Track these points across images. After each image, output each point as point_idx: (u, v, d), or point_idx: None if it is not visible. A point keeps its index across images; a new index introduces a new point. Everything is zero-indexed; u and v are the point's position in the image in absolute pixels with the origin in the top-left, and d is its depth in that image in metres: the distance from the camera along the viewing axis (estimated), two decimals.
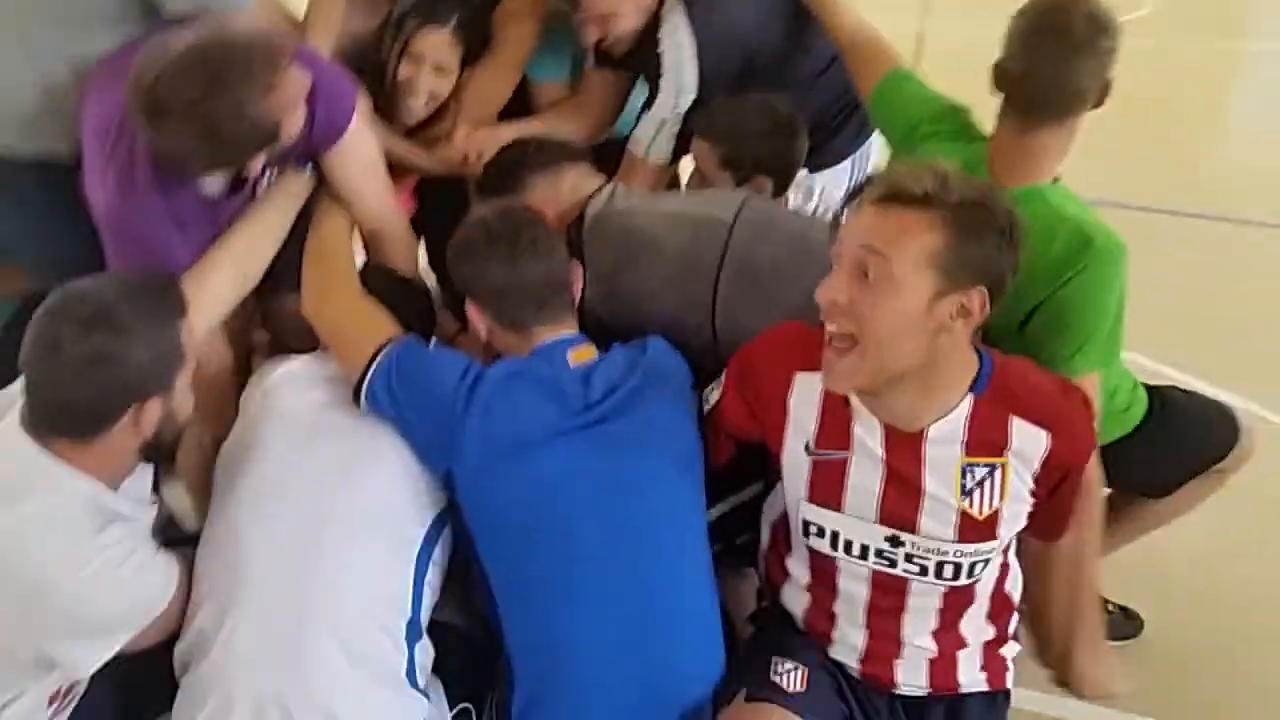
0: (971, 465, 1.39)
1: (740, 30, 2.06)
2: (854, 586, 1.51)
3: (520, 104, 2.22)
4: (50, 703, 1.36)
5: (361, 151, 1.77)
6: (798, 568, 1.57)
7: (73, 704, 1.41)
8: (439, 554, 1.52)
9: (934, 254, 1.26)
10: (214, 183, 1.60)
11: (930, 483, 1.40)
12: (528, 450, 1.46)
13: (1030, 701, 1.78)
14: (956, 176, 1.29)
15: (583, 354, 1.56)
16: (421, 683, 1.45)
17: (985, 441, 1.38)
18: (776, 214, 1.88)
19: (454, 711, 1.53)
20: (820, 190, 2.06)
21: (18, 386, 1.35)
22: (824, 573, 1.53)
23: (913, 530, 1.43)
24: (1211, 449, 1.91)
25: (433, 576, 1.50)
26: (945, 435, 1.38)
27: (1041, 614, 1.61)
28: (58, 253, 1.73)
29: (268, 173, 1.70)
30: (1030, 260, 1.55)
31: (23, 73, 1.69)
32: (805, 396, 1.45)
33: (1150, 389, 1.91)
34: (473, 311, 1.59)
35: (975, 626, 1.52)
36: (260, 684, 1.34)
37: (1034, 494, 1.41)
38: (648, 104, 2.10)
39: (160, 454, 1.47)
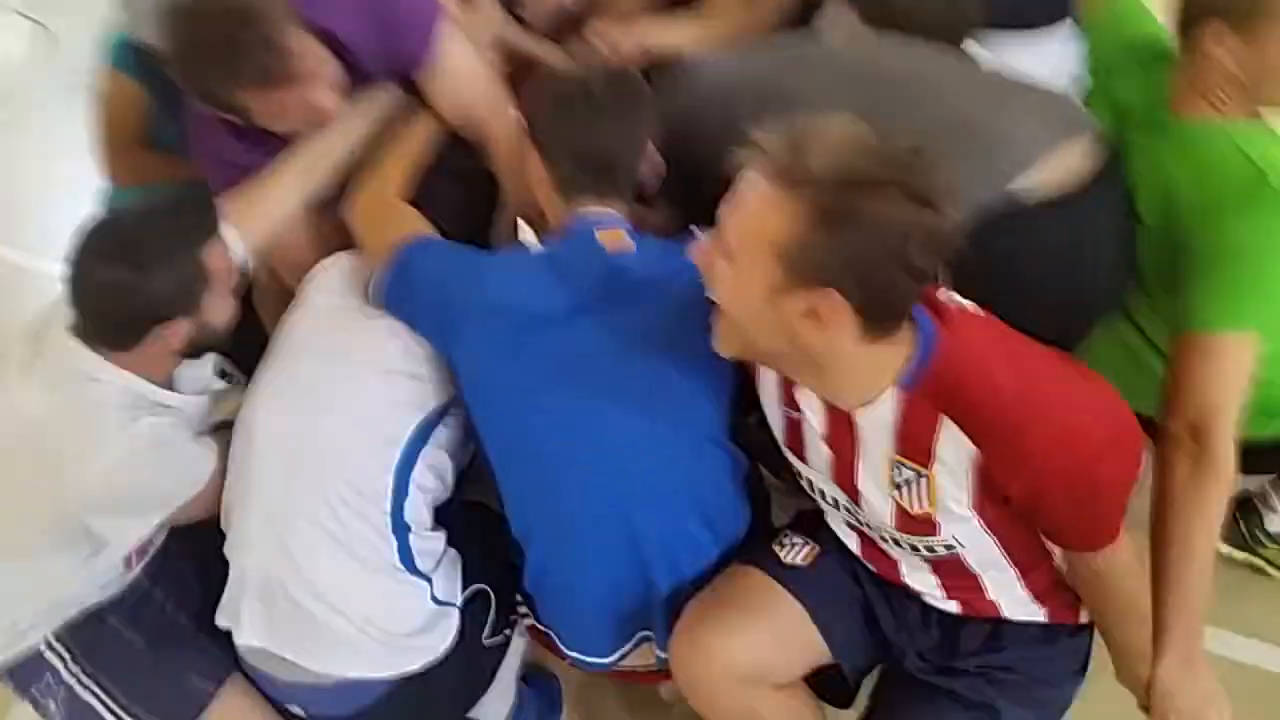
0: (900, 464, 1.20)
1: None
2: (841, 529, 1.41)
3: None
4: (125, 563, 1.56)
5: (453, 71, 1.70)
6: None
7: (148, 557, 1.60)
8: (446, 440, 1.55)
9: (775, 242, 1.05)
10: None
11: (862, 468, 1.25)
12: (526, 329, 1.44)
13: None
14: (837, 151, 1.03)
15: (615, 235, 1.48)
16: (425, 566, 1.51)
17: (914, 443, 1.18)
18: (858, 54, 1.60)
19: (468, 592, 1.57)
20: None
21: None
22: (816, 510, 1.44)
23: (855, 503, 1.29)
24: None
25: (431, 465, 1.52)
26: (874, 422, 1.19)
27: (1100, 627, 1.36)
28: None
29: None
30: (1192, 200, 1.42)
31: None
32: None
33: None
34: (533, 159, 1.53)
35: (997, 579, 1.33)
36: (262, 566, 1.47)
37: (979, 508, 1.20)
38: None
39: (209, 350, 1.57)
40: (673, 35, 1.89)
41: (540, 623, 1.61)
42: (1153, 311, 1.55)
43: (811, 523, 1.48)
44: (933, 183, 1.03)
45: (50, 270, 2.86)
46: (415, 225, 1.59)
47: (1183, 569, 1.28)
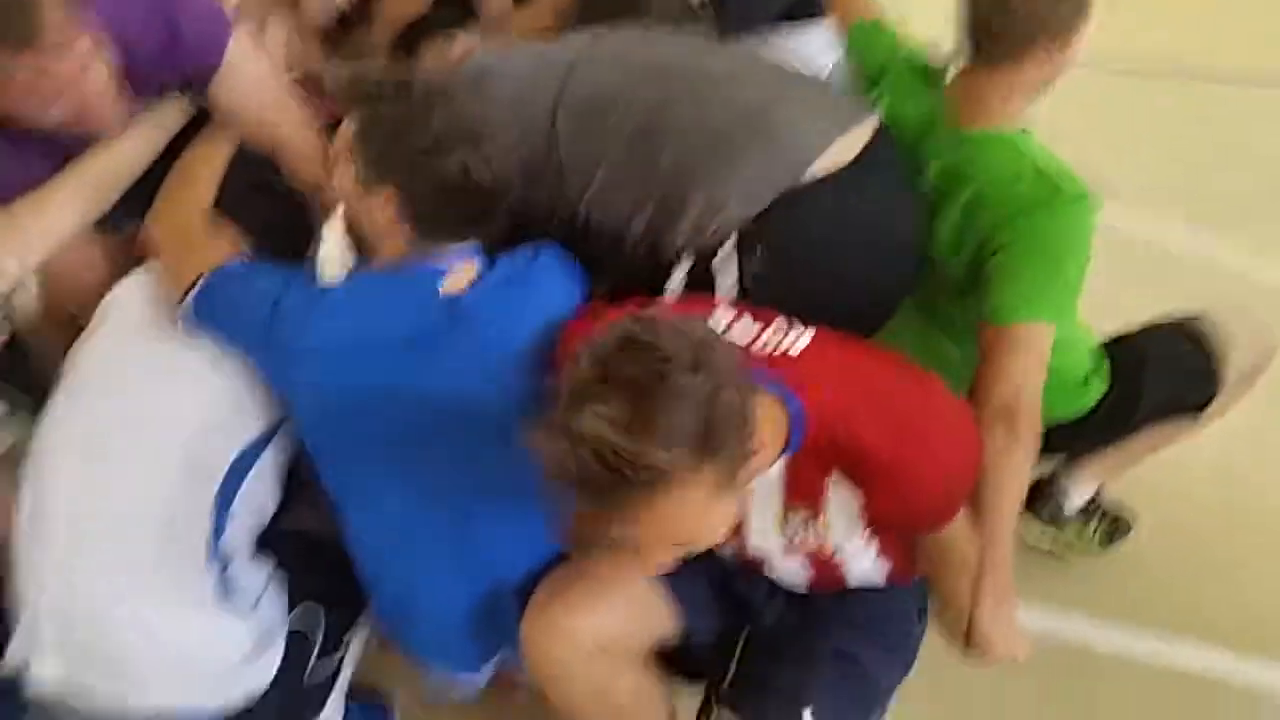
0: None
1: None
2: None
3: None
4: None
5: (244, 77, 1.62)
6: None
7: None
8: (268, 467, 1.46)
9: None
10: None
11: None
12: (356, 360, 1.36)
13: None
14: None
15: (459, 279, 1.40)
16: (246, 597, 1.41)
17: (802, 490, 1.24)
18: (625, 46, 1.64)
19: (295, 613, 1.48)
20: None
21: None
22: None
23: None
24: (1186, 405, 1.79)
25: (252, 495, 1.43)
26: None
27: (930, 580, 1.45)
28: None
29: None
30: (990, 206, 1.51)
31: None
32: None
33: (1113, 352, 1.75)
34: (381, 203, 1.39)
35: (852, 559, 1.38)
36: (59, 604, 1.31)
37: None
38: None
39: None
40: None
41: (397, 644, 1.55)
42: (948, 304, 1.65)
43: None
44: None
45: None
46: (226, 246, 1.48)
47: (996, 525, 1.37)
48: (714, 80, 1.52)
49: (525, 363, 1.39)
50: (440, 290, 1.38)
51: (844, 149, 1.48)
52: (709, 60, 1.59)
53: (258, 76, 1.65)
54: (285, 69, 1.80)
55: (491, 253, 1.45)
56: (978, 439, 1.30)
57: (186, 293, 1.42)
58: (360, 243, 1.58)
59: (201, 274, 1.42)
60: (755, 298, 1.42)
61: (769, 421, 1.14)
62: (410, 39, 1.91)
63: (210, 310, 1.41)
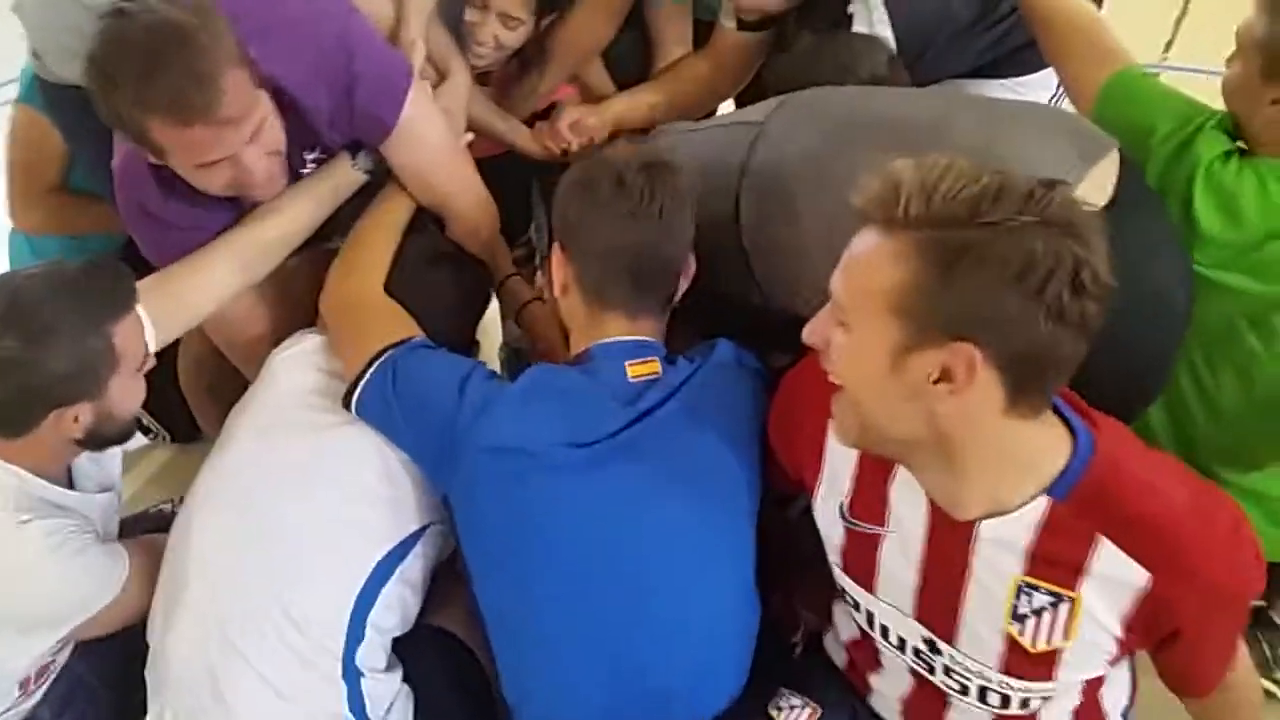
0: (1031, 587, 1.00)
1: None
2: (895, 671, 1.19)
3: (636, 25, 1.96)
4: (20, 688, 1.32)
5: (420, 139, 1.55)
6: (841, 619, 1.27)
7: (45, 686, 1.37)
8: (414, 571, 1.35)
9: (892, 294, 0.90)
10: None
11: (974, 592, 1.03)
12: (536, 475, 1.23)
13: None
14: (950, 185, 0.88)
15: (645, 367, 1.29)
16: (376, 713, 1.29)
17: (1055, 561, 0.99)
18: (834, 98, 1.44)
19: None
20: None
21: None
22: (866, 645, 1.22)
23: (950, 641, 1.09)
24: None
25: (393, 603, 1.32)
26: (1002, 537, 1.00)
27: None
28: None
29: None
30: None
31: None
32: (843, 450, 1.10)
33: None
34: (557, 259, 1.35)
35: None
36: (184, 702, 1.25)
37: (1122, 643, 1.01)
38: None
39: (113, 443, 1.36)
40: (641, 105, 1.85)
41: None
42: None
43: (810, 676, 1.28)
44: (1074, 212, 0.87)
45: None
46: (401, 326, 1.39)
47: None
48: (921, 127, 1.30)
49: (707, 475, 1.26)
50: (627, 377, 1.27)
51: (1092, 187, 1.22)
52: (911, 108, 1.38)
53: (432, 141, 1.57)
54: (464, 127, 1.74)
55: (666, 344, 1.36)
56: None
57: (358, 376, 1.33)
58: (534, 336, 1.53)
59: (376, 354, 1.32)
60: None
61: (1039, 440, 0.96)
62: None
63: (383, 396, 1.30)
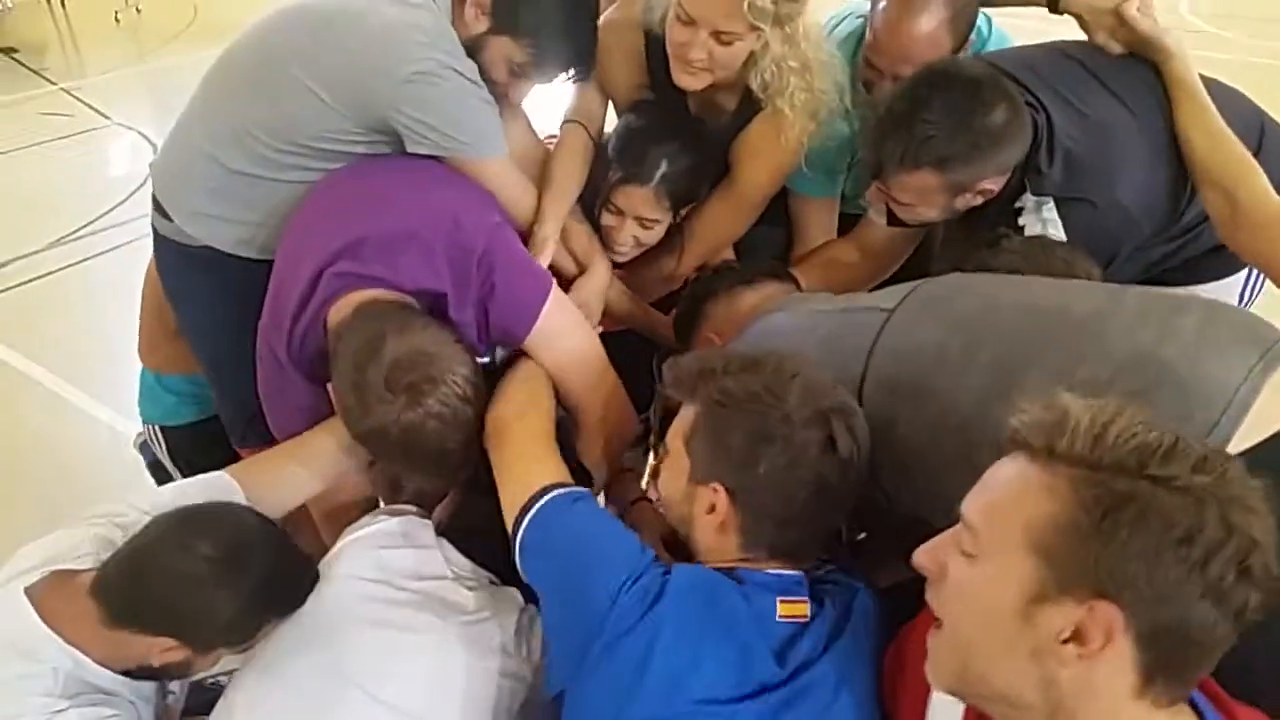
0: None
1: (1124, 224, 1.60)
2: None
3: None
4: None
5: (555, 348, 1.57)
6: None
7: None
8: None
9: (1041, 531, 0.82)
10: None
11: None
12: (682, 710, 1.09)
13: None
14: (1123, 426, 0.82)
15: (797, 607, 1.16)
16: None
17: None
18: (970, 284, 1.33)
19: None
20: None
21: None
22: None
23: None
24: None
25: None
26: None
27: None
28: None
29: None
30: None
31: (237, 169, 1.64)
32: (945, 715, 1.00)
33: None
34: (712, 502, 1.19)
35: None
36: None
37: None
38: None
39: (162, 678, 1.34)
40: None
41: None
42: None
43: None
44: (1249, 490, 0.80)
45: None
46: (562, 469, 1.33)
47: None
48: (1079, 322, 1.15)
49: None
50: (776, 615, 1.14)
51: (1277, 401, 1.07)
52: (1063, 297, 1.22)
53: (565, 350, 1.58)
54: (603, 323, 1.77)
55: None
56: None
57: (524, 508, 1.24)
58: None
59: (551, 486, 1.25)
60: None
61: None
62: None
63: (558, 531, 1.22)
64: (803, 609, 1.16)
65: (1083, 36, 1.71)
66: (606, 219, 1.81)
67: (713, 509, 1.19)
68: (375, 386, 1.31)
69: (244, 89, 1.62)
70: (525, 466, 1.32)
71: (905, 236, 1.86)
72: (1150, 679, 0.81)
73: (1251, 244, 1.51)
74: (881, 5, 1.70)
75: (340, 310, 1.44)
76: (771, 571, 1.18)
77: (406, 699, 1.22)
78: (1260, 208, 1.48)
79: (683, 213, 1.85)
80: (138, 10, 8.15)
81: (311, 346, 1.49)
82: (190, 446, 2.05)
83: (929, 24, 1.66)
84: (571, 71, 1.69)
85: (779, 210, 1.96)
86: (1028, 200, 1.60)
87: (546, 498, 1.24)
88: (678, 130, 1.77)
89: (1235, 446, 1.00)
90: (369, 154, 1.62)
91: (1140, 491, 0.79)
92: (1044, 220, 1.58)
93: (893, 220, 1.74)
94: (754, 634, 1.12)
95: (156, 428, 2.09)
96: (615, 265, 1.88)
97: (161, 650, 1.23)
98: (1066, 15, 1.72)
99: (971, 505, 0.89)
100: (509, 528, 1.26)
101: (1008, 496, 0.86)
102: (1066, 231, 1.57)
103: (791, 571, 1.19)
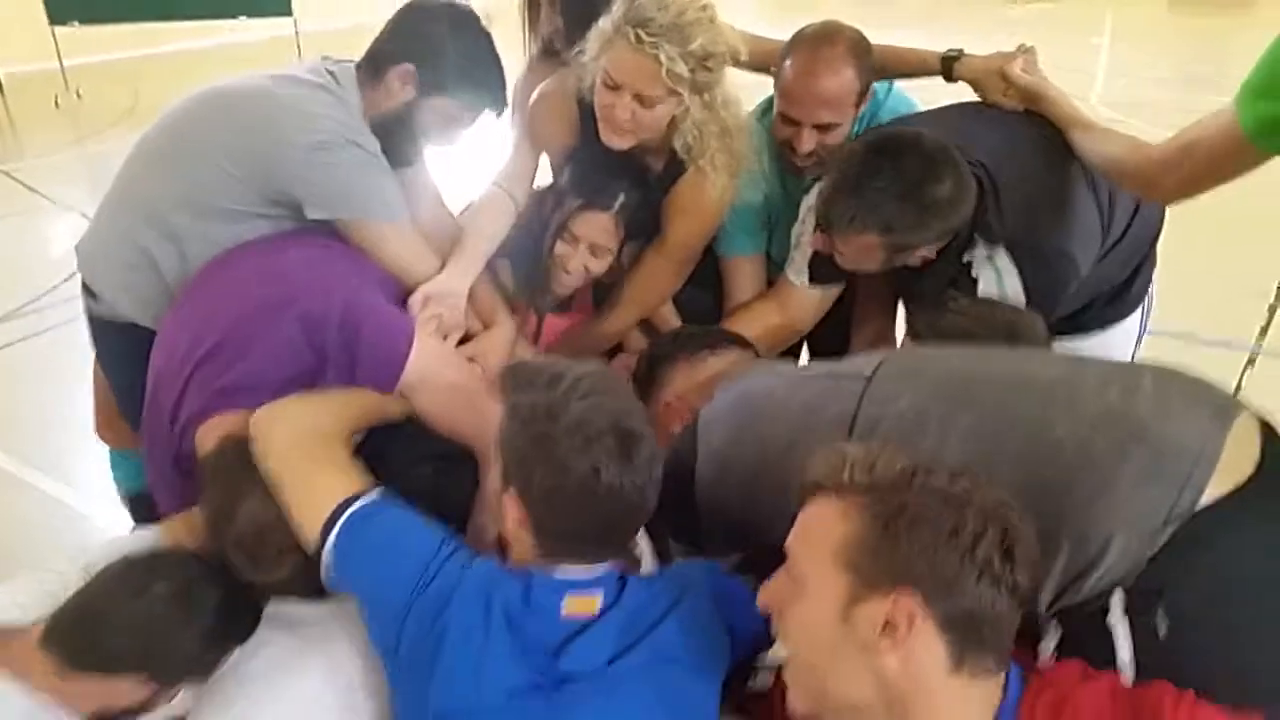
0: None
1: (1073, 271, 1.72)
2: None
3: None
4: None
5: (429, 391, 1.59)
6: None
7: None
8: None
9: (840, 549, 1.00)
10: None
11: None
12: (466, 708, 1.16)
13: None
14: (889, 456, 1.03)
15: (585, 604, 1.20)
16: None
17: None
18: (933, 357, 1.41)
19: None
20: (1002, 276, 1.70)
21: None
22: None
23: None
24: None
25: None
26: None
27: None
28: None
29: None
30: None
31: (145, 244, 1.71)
32: None
33: None
34: (510, 504, 1.23)
35: None
36: None
37: None
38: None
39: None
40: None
41: None
42: None
43: None
44: (1000, 495, 1.00)
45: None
46: (360, 477, 1.33)
47: None
48: (1049, 386, 1.19)
49: None
50: (560, 613, 1.19)
51: (1237, 455, 1.09)
52: (1032, 366, 1.29)
53: (442, 388, 1.60)
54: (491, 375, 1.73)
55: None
56: None
57: (325, 528, 1.25)
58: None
59: (349, 500, 1.27)
60: (1154, 671, 1.06)
61: (989, 705, 1.00)
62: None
63: (361, 540, 1.24)
64: (591, 605, 1.20)
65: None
66: (560, 247, 1.90)
67: (511, 512, 1.23)
68: (233, 552, 1.34)
69: (156, 167, 1.72)
70: (309, 490, 1.32)
71: (824, 301, 1.99)
72: (960, 657, 0.97)
73: (1176, 183, 1.51)
74: (788, 62, 1.86)
75: (205, 438, 1.49)
76: (560, 576, 1.21)
77: None
78: (1158, 153, 1.54)
79: (625, 256, 1.95)
80: (78, 94, 8.20)
81: (189, 448, 1.52)
82: None
83: (838, 67, 1.83)
84: (497, 108, 1.80)
85: (709, 273, 2.08)
86: (977, 254, 1.72)
87: (352, 507, 1.27)
88: (629, 168, 1.90)
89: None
90: (269, 228, 1.70)
91: (911, 501, 0.99)
92: (998, 269, 1.70)
93: (814, 279, 1.89)
94: (533, 632, 1.17)
95: (132, 499, 2.14)
96: (553, 308, 1.98)
97: (129, 689, 1.25)
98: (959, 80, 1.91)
99: (790, 542, 1.06)
100: (312, 550, 1.28)
101: (814, 528, 1.04)
102: (1021, 273, 1.69)
103: (584, 575, 1.21)
